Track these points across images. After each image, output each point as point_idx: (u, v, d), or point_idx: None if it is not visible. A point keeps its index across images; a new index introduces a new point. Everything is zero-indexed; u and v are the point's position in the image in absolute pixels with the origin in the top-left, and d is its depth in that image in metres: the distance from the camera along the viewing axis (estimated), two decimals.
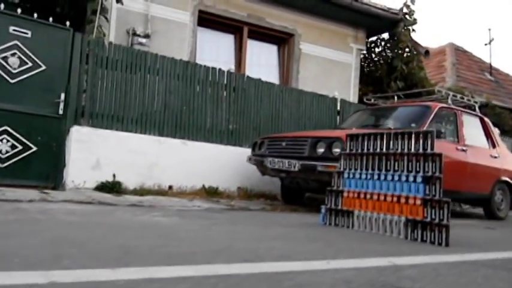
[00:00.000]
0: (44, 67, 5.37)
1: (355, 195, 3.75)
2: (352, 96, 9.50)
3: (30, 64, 5.28)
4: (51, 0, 6.80)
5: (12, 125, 5.15)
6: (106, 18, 6.45)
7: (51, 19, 5.57)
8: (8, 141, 5.12)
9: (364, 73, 10.43)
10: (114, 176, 5.70)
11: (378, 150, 3.61)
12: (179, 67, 6.49)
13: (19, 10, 5.28)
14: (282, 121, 7.52)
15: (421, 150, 3.32)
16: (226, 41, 8.73)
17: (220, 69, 6.92)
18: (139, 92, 6.11)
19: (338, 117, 8.23)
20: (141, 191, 5.75)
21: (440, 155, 3.22)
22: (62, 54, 5.52)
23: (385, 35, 10.55)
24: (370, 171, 3.65)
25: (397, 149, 3.49)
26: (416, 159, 3.36)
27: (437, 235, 3.19)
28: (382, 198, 3.54)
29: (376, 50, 10.89)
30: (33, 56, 5.30)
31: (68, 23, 5.60)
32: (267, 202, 6.40)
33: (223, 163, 6.68)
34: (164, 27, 7.69)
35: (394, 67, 9.97)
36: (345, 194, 3.85)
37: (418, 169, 3.33)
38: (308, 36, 9.17)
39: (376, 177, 3.60)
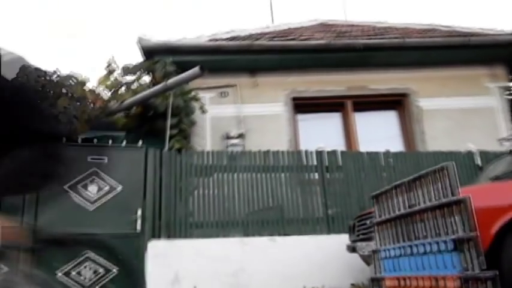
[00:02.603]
0: (120, 187, 5.59)
1: (397, 283, 2.53)
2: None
3: (107, 187, 5.57)
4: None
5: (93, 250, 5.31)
6: (184, 130, 6.60)
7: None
8: (90, 267, 5.26)
9: None
10: None
11: (401, 209, 2.43)
12: (258, 158, 6.07)
13: (95, 140, 5.78)
14: None
15: (442, 199, 2.08)
16: (331, 120, 8.06)
17: (306, 151, 6.26)
18: (217, 193, 5.83)
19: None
20: None
21: (464, 201, 1.94)
22: (137, 172, 5.70)
23: None
24: (401, 243, 2.46)
25: (419, 203, 2.29)
26: (441, 214, 2.11)
27: None
28: (419, 283, 2.28)
29: None
30: (110, 179, 5.60)
31: (140, 142, 5.88)
32: None
33: (327, 257, 5.64)
34: (258, 123, 7.53)
35: None
36: (387, 283, 2.64)
37: (446, 229, 2.07)
38: (426, 91, 7.87)
39: (407, 251, 2.38)
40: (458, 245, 1.95)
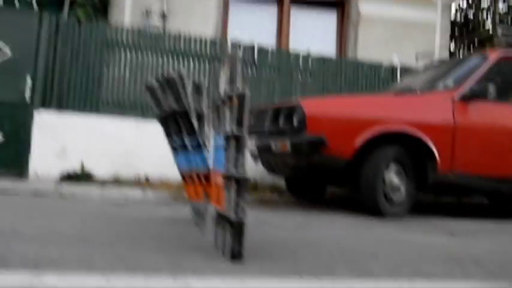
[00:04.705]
0: (8, 51, 5.19)
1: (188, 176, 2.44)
2: None
3: None
4: None
5: None
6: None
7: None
8: None
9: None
10: (82, 165, 5.21)
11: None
12: (167, 42, 5.71)
13: None
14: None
15: (227, 91, 1.91)
16: (266, 12, 7.58)
17: (221, 40, 5.95)
18: (117, 72, 5.53)
19: None
20: (112, 182, 5.16)
21: (241, 96, 1.77)
22: (29, 38, 5.27)
23: None
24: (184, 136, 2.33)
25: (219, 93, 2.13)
26: (223, 108, 1.96)
27: (227, 239, 1.76)
28: (210, 178, 2.19)
29: None
30: None
31: (35, 6, 5.36)
32: (263, 196, 5.14)
33: None
34: (184, 4, 6.99)
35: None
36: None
37: (224, 124, 1.93)
38: None
39: (194, 144, 2.27)
40: (227, 141, 1.82)
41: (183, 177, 2.42)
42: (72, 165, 5.19)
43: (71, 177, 5.12)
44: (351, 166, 3.79)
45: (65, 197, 4.12)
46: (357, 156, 3.76)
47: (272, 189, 5.51)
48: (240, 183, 1.71)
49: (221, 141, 1.94)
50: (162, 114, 2.30)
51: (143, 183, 5.23)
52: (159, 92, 2.17)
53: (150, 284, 1.41)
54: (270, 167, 4.50)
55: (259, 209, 4.08)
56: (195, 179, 2.19)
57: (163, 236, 2.26)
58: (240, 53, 5.91)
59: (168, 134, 2.33)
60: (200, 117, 2.66)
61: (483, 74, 4.17)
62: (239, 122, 1.75)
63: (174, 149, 2.27)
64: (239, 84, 1.82)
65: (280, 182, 5.45)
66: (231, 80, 1.82)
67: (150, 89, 2.22)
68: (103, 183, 5.05)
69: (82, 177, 5.14)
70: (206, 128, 2.34)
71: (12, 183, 4.55)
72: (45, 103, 5.27)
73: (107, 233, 2.28)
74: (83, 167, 5.21)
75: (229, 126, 1.82)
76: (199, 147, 2.14)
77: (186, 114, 2.14)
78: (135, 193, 4.47)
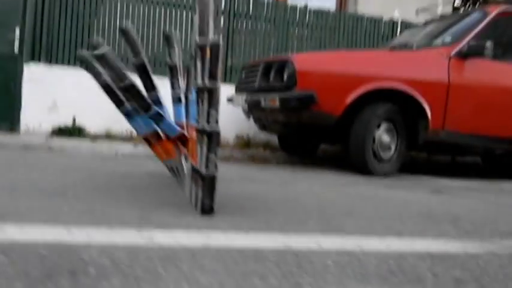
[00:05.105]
0: None
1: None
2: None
3: None
4: None
5: None
6: None
7: None
8: None
9: None
10: (74, 119, 5.18)
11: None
12: None
13: None
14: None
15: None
16: None
17: None
18: (108, 23, 5.39)
19: None
20: (104, 136, 5.15)
21: (214, 46, 1.69)
22: None
23: None
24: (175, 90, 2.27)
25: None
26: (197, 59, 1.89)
27: (199, 193, 1.74)
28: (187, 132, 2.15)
29: None
30: None
31: None
32: (256, 153, 5.12)
33: None
34: None
35: None
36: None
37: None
38: None
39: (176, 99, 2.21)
40: (199, 95, 1.77)
41: (146, 139, 2.30)
42: (64, 119, 5.16)
43: (62, 132, 5.10)
44: (341, 123, 3.74)
45: (54, 150, 4.10)
46: (348, 114, 3.70)
47: (265, 146, 5.49)
48: (211, 138, 1.67)
49: (193, 95, 1.88)
50: (104, 85, 2.11)
51: (135, 138, 5.20)
52: (96, 64, 1.98)
53: (113, 236, 1.39)
54: (261, 124, 4.46)
55: (249, 165, 4.08)
56: (163, 136, 2.13)
57: (140, 190, 2.25)
58: (235, 5, 5.73)
59: (118, 104, 2.15)
60: (172, 71, 2.60)
61: (481, 30, 4.03)
62: (212, 74, 1.69)
63: (127, 114, 2.13)
64: (211, 33, 1.74)
65: (273, 139, 5.42)
66: (201, 29, 1.74)
67: (84, 61, 2.01)
68: (94, 137, 5.04)
69: (74, 131, 5.12)
70: (180, 81, 2.27)
71: (3, 136, 4.53)
72: (34, 56, 5.18)
73: (83, 186, 2.27)
74: (74, 121, 5.18)
75: (200, 79, 1.75)
76: (160, 115, 2.05)
77: (133, 89, 2.01)
78: (125, 148, 4.45)
